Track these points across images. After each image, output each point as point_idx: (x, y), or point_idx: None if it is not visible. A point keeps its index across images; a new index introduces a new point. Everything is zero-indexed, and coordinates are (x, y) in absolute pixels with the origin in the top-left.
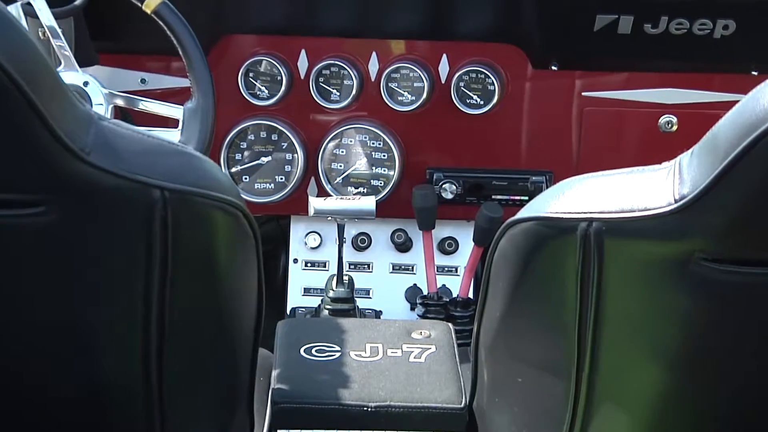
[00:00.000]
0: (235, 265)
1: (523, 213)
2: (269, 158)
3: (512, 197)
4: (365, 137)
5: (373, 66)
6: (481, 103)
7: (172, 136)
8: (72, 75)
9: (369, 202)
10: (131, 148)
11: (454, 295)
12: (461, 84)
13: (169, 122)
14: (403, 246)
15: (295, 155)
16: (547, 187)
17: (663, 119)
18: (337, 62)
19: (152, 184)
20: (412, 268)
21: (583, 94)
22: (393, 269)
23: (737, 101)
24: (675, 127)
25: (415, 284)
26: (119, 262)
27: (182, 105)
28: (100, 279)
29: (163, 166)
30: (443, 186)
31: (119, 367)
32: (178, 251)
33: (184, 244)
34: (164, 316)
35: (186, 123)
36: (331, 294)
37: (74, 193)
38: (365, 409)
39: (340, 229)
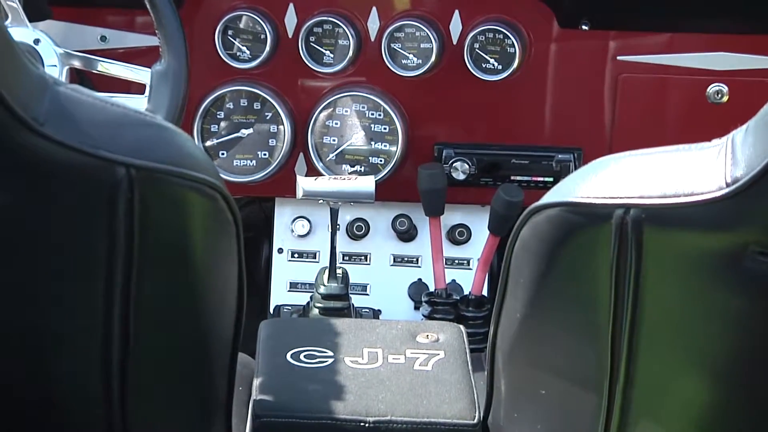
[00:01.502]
0: (212, 256)
1: (548, 197)
2: (250, 130)
3: (535, 178)
4: (363, 107)
5: (373, 23)
6: (499, 68)
7: (138, 103)
8: (20, 31)
9: (367, 183)
10: (92, 118)
11: (466, 292)
12: (476, 45)
13: (133, 87)
14: (407, 234)
15: (281, 127)
16: (575, 167)
17: (712, 88)
18: (330, 18)
19: (116, 160)
20: (417, 260)
21: (618, 58)
22: (394, 261)
23: None
24: (726, 98)
25: (420, 279)
26: (76, 252)
27: (149, 67)
28: (54, 271)
29: (128, 140)
30: (454, 165)
31: (76, 374)
32: (145, 239)
33: (153, 231)
34: (128, 314)
35: (154, 88)
36: (322, 290)
37: (25, 170)
38: (362, 424)
39: (333, 215)
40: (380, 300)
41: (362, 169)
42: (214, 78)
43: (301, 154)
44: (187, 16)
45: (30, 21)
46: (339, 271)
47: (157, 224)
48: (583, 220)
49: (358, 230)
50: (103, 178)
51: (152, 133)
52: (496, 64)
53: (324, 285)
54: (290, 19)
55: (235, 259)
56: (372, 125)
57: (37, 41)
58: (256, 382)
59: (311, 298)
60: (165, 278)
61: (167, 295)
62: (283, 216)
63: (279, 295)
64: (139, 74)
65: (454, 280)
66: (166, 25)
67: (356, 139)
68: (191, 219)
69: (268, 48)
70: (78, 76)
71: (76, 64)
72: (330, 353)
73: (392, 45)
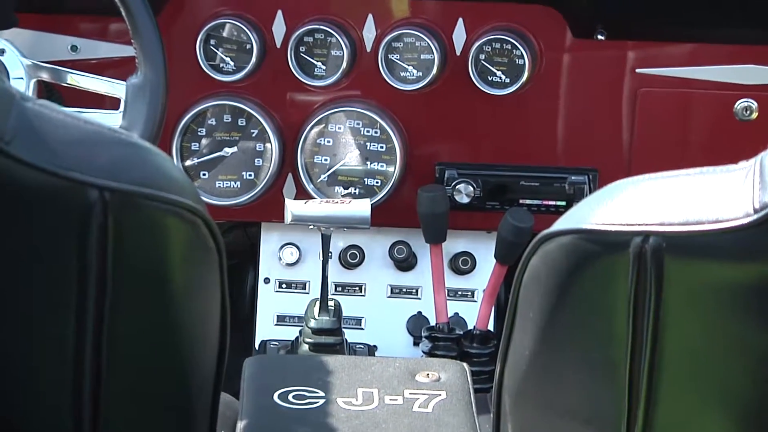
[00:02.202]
0: (193, 287)
1: (561, 223)
2: (234, 149)
3: (546, 202)
4: (358, 123)
5: (369, 32)
6: (507, 81)
7: (112, 119)
8: None
9: (362, 207)
10: (62, 136)
11: (470, 326)
12: (481, 57)
13: (107, 102)
14: (405, 263)
15: (268, 145)
16: (590, 190)
17: (740, 104)
18: (322, 27)
19: (88, 182)
20: (417, 291)
21: (637, 71)
22: (392, 293)
23: None
24: (755, 115)
25: (419, 312)
26: (46, 281)
27: (124, 80)
28: (22, 300)
29: (101, 160)
30: (457, 187)
31: (45, 409)
32: (119, 268)
33: (128, 259)
34: (101, 349)
35: (129, 103)
36: (312, 324)
37: None
38: None
39: (325, 241)
40: (376, 335)
41: (357, 191)
42: (195, 91)
43: (290, 175)
44: (166, 24)
45: None
46: (331, 303)
47: (133, 252)
48: (598, 249)
49: (352, 258)
50: (75, 201)
51: (128, 153)
52: (503, 77)
53: (314, 318)
54: (278, 28)
55: (217, 289)
56: (367, 143)
57: (1, 51)
58: (240, 424)
59: (300, 332)
60: (141, 310)
61: (143, 328)
62: (269, 243)
63: (265, 329)
64: (113, 87)
65: (457, 314)
66: (143, 33)
67: (350, 158)
68: (170, 246)
69: (254, 59)
70: (45, 90)
71: (45, 76)
72: (321, 393)
73: (390, 56)
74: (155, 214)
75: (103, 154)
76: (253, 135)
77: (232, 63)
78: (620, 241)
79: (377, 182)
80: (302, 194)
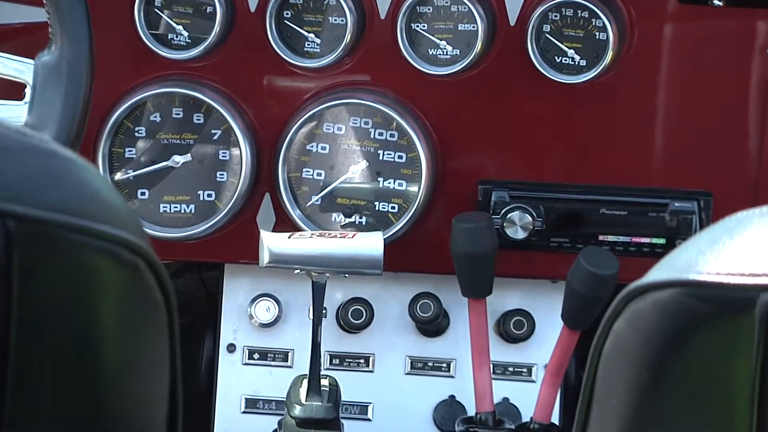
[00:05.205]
0: (131, 355)
1: (658, 272)
2: (187, 157)
3: (636, 240)
4: (366, 122)
5: None
6: (583, 64)
7: (13, 114)
8: None
9: (371, 244)
10: None
11: (526, 417)
12: (546, 28)
13: (5, 89)
14: (433, 326)
15: (236, 152)
16: (701, 224)
17: None
18: None
19: None
20: (449, 366)
21: None
22: (412, 368)
23: None
24: None
25: (452, 397)
26: None
27: (32, 58)
28: None
29: (3, 176)
30: (509, 216)
31: None
32: (28, 328)
33: (40, 314)
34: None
35: (39, 91)
36: (297, 411)
37: None
38: None
39: (317, 292)
40: (390, 429)
41: (364, 220)
42: (131, 74)
43: (267, 196)
44: None
45: None
46: (325, 381)
47: (47, 304)
48: (711, 309)
49: (357, 317)
50: None
51: (39, 165)
52: (577, 57)
53: (301, 404)
54: None
55: (165, 359)
56: (380, 151)
57: None
58: None
59: (280, 424)
60: (57, 388)
61: (60, 414)
62: (236, 293)
63: (228, 418)
64: (17, 68)
65: (506, 399)
66: None
67: (354, 172)
68: (99, 298)
69: (217, 27)
70: None
71: None
72: None
73: (413, 25)
74: (79, 253)
75: (4, 166)
76: (215, 138)
77: (185, 33)
78: (742, 298)
79: (393, 208)
80: (284, 224)
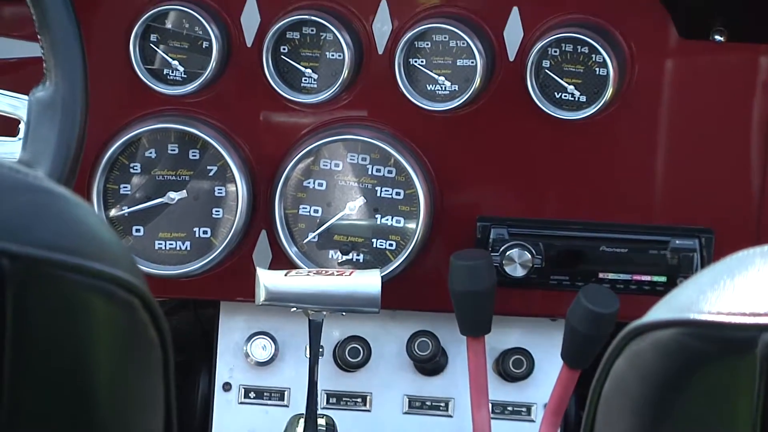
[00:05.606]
0: (125, 394)
1: (658, 311)
2: (183, 194)
3: (637, 277)
4: (364, 158)
5: (382, 25)
6: (583, 99)
7: (7, 150)
8: None
9: (369, 281)
10: None
11: None
12: (546, 64)
13: (1, 123)
14: (431, 364)
15: (232, 189)
16: (703, 261)
17: None
18: (313, 17)
19: None
20: (447, 405)
21: None
22: (410, 407)
23: None
24: None
25: None
26: None
27: (26, 93)
28: None
29: None
30: (508, 253)
31: None
32: (21, 368)
33: (34, 355)
34: None
35: (33, 126)
36: None
37: None
38: None
39: (314, 331)
40: None
41: (361, 257)
42: (126, 109)
43: (263, 233)
44: (87, 12)
45: None
46: (321, 420)
47: (40, 344)
48: (711, 349)
49: (354, 356)
50: None
51: (33, 203)
52: (577, 93)
53: None
54: (250, 18)
55: (160, 398)
56: (377, 188)
57: None
58: None
59: None
60: (52, 424)
61: None
62: (232, 331)
63: None
64: (11, 104)
65: None
66: (54, 25)
67: (352, 209)
68: (94, 336)
69: (213, 63)
70: None
71: None
72: None
73: (412, 61)
74: (73, 291)
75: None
76: (211, 174)
77: (181, 69)
78: (743, 337)
79: (391, 245)
80: (281, 261)
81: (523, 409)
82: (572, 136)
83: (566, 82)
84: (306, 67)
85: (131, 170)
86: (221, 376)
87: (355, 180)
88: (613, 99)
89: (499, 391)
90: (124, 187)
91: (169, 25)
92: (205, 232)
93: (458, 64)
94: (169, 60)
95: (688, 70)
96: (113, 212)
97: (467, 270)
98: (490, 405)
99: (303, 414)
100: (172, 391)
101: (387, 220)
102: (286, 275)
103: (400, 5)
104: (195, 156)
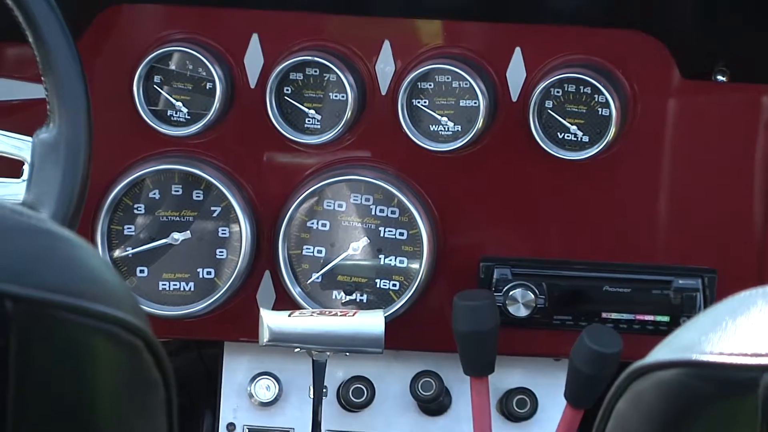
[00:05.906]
0: None
1: (661, 352)
2: (187, 235)
3: (640, 317)
4: (367, 199)
5: (386, 66)
6: (586, 140)
7: (11, 192)
8: None
9: (372, 322)
10: None
11: None
12: (548, 104)
13: (5, 165)
14: (435, 404)
15: (236, 229)
16: (706, 301)
17: None
18: (317, 59)
19: None
20: None
21: None
22: None
23: None
24: None
25: None
26: None
27: (30, 135)
28: None
29: (0, 255)
30: (511, 294)
31: None
32: (24, 410)
33: (37, 398)
34: None
35: (37, 168)
36: None
37: None
38: None
39: (318, 371)
40: None
41: (365, 298)
42: (130, 151)
43: (267, 273)
44: (90, 53)
45: None
46: None
47: (44, 386)
48: (713, 389)
49: (357, 396)
50: None
51: (36, 245)
52: (580, 133)
53: None
54: (253, 59)
55: None
56: (381, 228)
57: None
58: None
59: None
60: None
61: None
62: (236, 372)
63: None
64: (14, 145)
65: None
66: (58, 67)
67: (355, 249)
68: (97, 378)
69: (217, 103)
70: None
71: None
72: None
73: (415, 101)
74: (77, 333)
75: (3, 247)
76: (215, 214)
77: (184, 110)
78: (745, 378)
79: (395, 285)
80: (285, 302)
81: None
82: (575, 176)
83: (569, 123)
84: (309, 108)
85: (135, 211)
86: (225, 416)
87: (358, 220)
88: (616, 139)
89: (503, 430)
90: (128, 228)
91: (172, 67)
92: (208, 273)
93: (461, 104)
94: (173, 101)
95: (691, 110)
96: (117, 253)
97: (470, 310)
98: None
99: None
100: (175, 430)
101: (390, 260)
102: (289, 316)
103: (403, 46)
104: (199, 197)
